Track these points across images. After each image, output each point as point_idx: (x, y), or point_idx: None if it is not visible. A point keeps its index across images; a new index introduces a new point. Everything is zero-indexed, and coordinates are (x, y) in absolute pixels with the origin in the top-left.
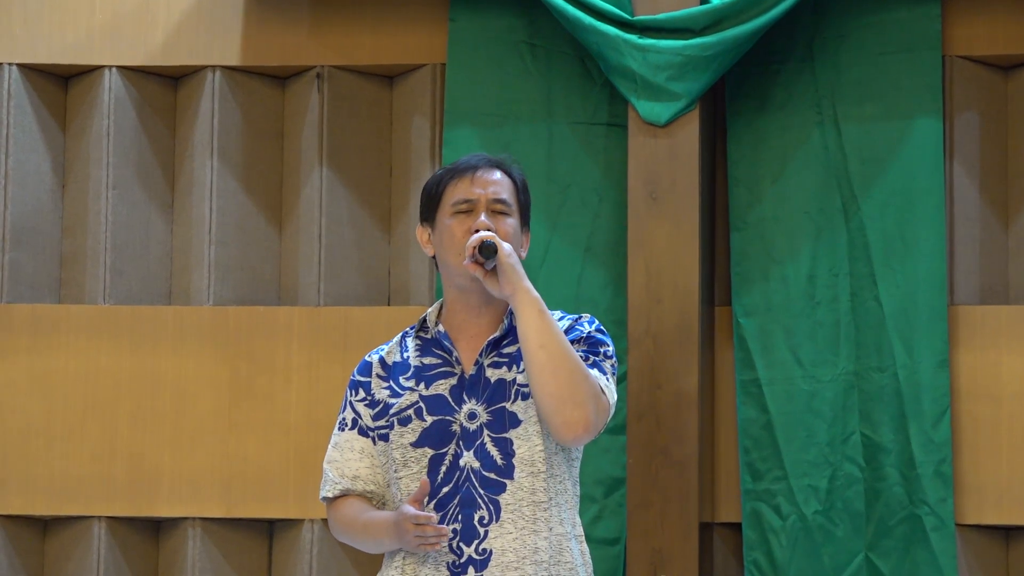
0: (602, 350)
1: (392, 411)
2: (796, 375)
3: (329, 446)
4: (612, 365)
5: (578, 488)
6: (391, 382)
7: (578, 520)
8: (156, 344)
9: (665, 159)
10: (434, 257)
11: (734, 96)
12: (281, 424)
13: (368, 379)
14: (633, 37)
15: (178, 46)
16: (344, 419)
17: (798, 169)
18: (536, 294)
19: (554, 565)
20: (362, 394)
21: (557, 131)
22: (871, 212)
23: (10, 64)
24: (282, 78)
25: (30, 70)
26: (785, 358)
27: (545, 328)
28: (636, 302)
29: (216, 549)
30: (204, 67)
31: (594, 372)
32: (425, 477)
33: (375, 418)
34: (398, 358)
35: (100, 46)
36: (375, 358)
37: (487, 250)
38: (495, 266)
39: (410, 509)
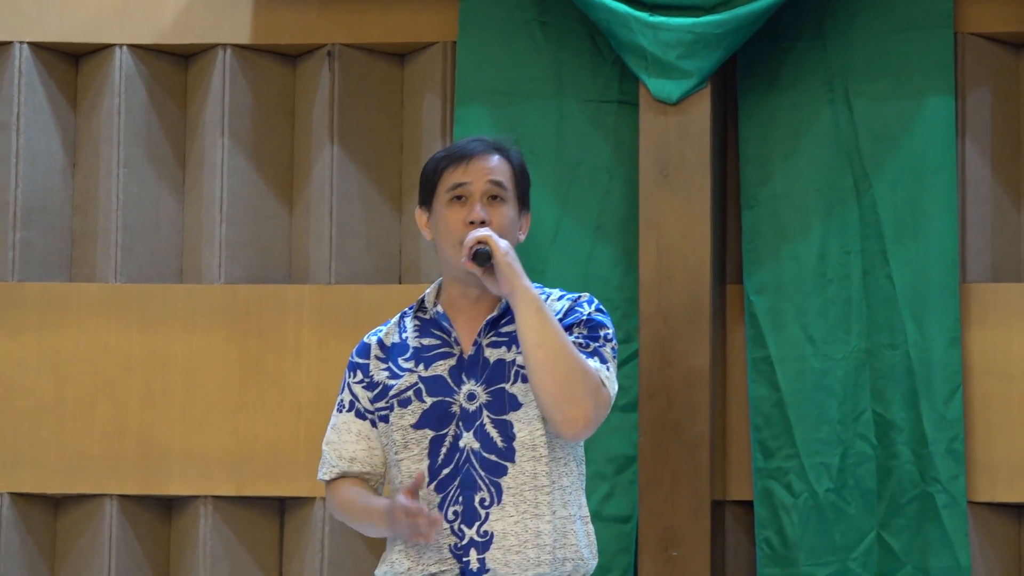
0: (602, 333)
1: (392, 393)
2: (808, 353)
3: (328, 427)
4: (613, 348)
5: (583, 468)
6: (390, 363)
7: (583, 501)
8: (167, 322)
9: (676, 137)
10: (432, 240)
11: (745, 74)
12: (292, 402)
13: (366, 361)
14: (644, 15)
15: (189, 24)
16: (342, 401)
17: (809, 147)
18: (534, 292)
19: (558, 548)
20: (360, 376)
21: (568, 109)
22: (883, 190)
23: (21, 42)
24: (293, 56)
25: (40, 48)
26: (796, 336)
27: (543, 326)
28: (647, 280)
29: (227, 527)
30: (215, 45)
31: (594, 361)
32: (422, 470)
33: (374, 400)
34: (396, 339)
35: (111, 24)
36: (373, 339)
37: (481, 257)
38: (492, 264)
39: (403, 499)
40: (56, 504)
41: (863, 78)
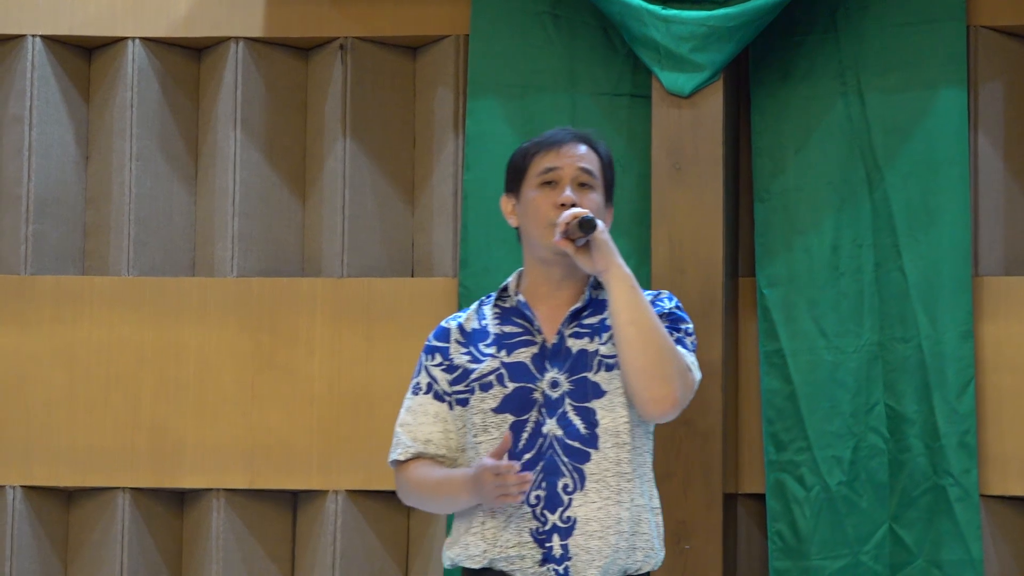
0: (683, 327)
1: (473, 376)
2: (820, 346)
3: (402, 410)
4: (693, 342)
5: (652, 459)
6: (471, 348)
7: (655, 492)
8: (179, 315)
9: (689, 130)
10: (517, 228)
11: (758, 67)
12: (304, 395)
13: (446, 344)
14: (656, 8)
15: (201, 17)
16: (419, 383)
17: (822, 140)
18: (628, 271)
19: (633, 536)
20: (439, 359)
21: (580, 102)
22: (895, 182)
23: (34, 36)
24: (305, 49)
25: (53, 42)
26: (809, 329)
27: (636, 304)
28: (659, 273)
29: (240, 520)
30: (227, 38)
31: (680, 349)
32: (508, 432)
33: (453, 383)
34: (476, 325)
35: (123, 17)
36: (453, 324)
37: (586, 225)
38: (586, 242)
39: (490, 461)
40: (68, 497)
41: (875, 71)
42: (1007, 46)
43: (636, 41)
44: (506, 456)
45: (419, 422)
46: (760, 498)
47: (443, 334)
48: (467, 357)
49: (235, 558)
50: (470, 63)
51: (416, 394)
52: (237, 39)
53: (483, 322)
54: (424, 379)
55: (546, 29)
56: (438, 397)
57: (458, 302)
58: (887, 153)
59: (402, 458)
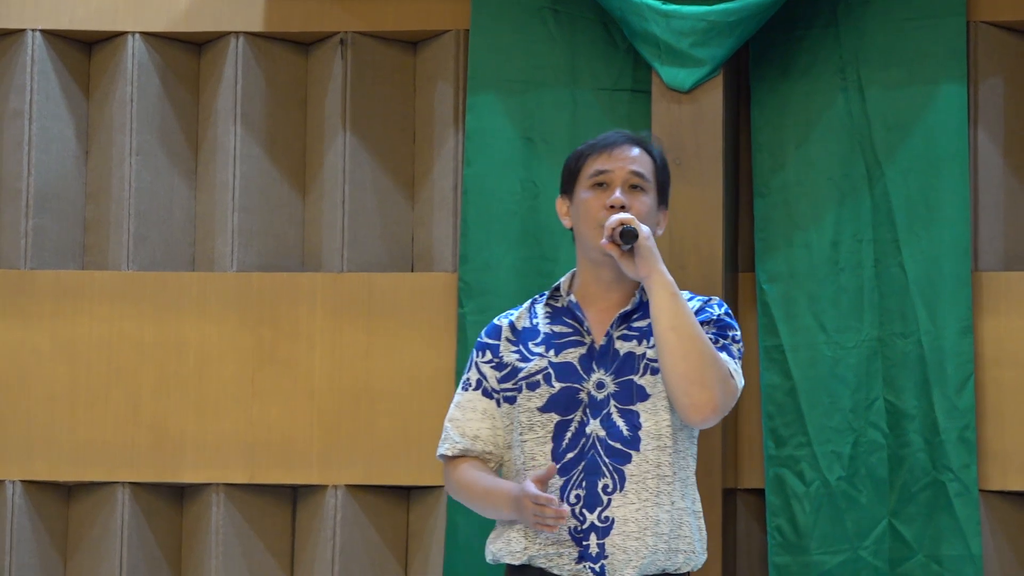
0: (731, 334)
1: (521, 375)
2: (819, 341)
3: (451, 405)
4: (739, 349)
5: (695, 463)
6: (520, 346)
7: (697, 496)
8: (179, 310)
9: (689, 125)
10: (571, 229)
11: (758, 62)
12: (304, 390)
13: (497, 342)
14: (656, 3)
15: (202, 12)
16: (468, 380)
17: (822, 135)
18: (670, 277)
19: (673, 539)
20: (489, 356)
21: (581, 97)
22: (895, 178)
23: (34, 30)
24: (305, 44)
25: (54, 36)
26: (809, 324)
27: (678, 310)
28: None
29: (240, 515)
30: (227, 33)
31: (723, 356)
32: (553, 465)
33: (501, 380)
34: (527, 324)
35: (124, 12)
36: (504, 322)
37: (627, 236)
38: (631, 247)
39: (532, 488)
40: (68, 492)
41: (876, 66)
42: (1007, 42)
43: (636, 36)
44: (555, 473)
45: (467, 418)
46: (760, 493)
47: (494, 331)
48: (516, 355)
49: (235, 553)
50: (470, 58)
51: (466, 390)
52: (237, 34)
53: (534, 320)
54: (474, 375)
55: (546, 24)
56: (486, 394)
57: (458, 297)
58: (887, 149)
59: (450, 453)
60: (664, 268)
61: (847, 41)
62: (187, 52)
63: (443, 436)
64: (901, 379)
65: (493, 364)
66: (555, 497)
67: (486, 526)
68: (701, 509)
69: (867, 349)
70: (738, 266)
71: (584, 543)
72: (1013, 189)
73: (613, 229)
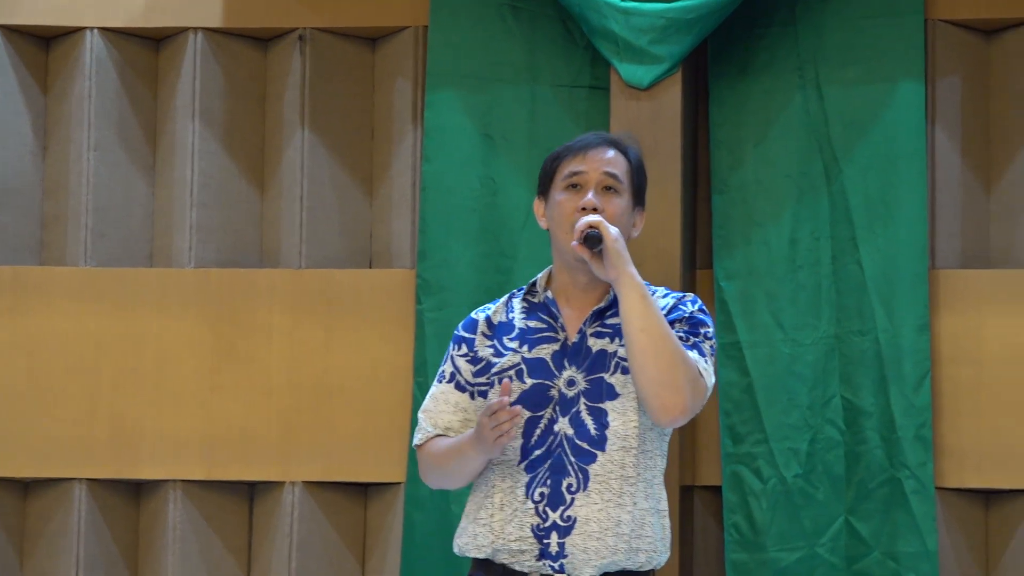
0: (703, 331)
1: (494, 370)
2: (777, 338)
3: (427, 396)
4: (712, 346)
5: (665, 461)
6: (495, 341)
7: (663, 495)
8: (138, 306)
9: (647, 122)
10: (548, 230)
11: (717, 59)
12: (263, 386)
13: (473, 336)
14: (615, 0)
15: (160, 7)
16: (443, 372)
17: (780, 133)
18: (640, 279)
19: (635, 539)
20: (465, 349)
21: (540, 93)
22: (853, 176)
23: None
24: (264, 40)
25: (11, 31)
26: (766, 321)
27: (647, 312)
28: None
29: (197, 511)
30: (186, 29)
31: (693, 354)
32: (507, 381)
33: (476, 374)
34: (504, 318)
35: (82, 7)
36: (482, 316)
37: (592, 240)
38: (601, 249)
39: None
40: (26, 488)
41: (834, 64)
42: (965, 40)
43: (595, 33)
44: (511, 391)
45: (439, 410)
46: (717, 490)
47: (471, 325)
48: (491, 350)
49: (192, 549)
50: (429, 55)
51: (440, 382)
52: (196, 29)
53: (511, 315)
54: (448, 368)
55: (505, 21)
56: (460, 387)
57: (416, 294)
58: (845, 146)
59: (421, 442)
60: (634, 270)
61: (805, 39)
62: (146, 48)
63: (417, 427)
64: (858, 376)
65: (468, 358)
66: (506, 399)
67: (443, 523)
68: (667, 508)
69: (824, 346)
70: (696, 263)
71: (545, 541)
72: (970, 187)
73: (581, 231)
